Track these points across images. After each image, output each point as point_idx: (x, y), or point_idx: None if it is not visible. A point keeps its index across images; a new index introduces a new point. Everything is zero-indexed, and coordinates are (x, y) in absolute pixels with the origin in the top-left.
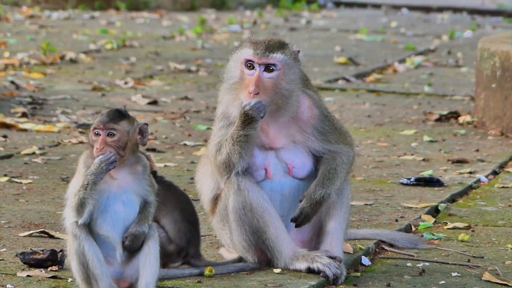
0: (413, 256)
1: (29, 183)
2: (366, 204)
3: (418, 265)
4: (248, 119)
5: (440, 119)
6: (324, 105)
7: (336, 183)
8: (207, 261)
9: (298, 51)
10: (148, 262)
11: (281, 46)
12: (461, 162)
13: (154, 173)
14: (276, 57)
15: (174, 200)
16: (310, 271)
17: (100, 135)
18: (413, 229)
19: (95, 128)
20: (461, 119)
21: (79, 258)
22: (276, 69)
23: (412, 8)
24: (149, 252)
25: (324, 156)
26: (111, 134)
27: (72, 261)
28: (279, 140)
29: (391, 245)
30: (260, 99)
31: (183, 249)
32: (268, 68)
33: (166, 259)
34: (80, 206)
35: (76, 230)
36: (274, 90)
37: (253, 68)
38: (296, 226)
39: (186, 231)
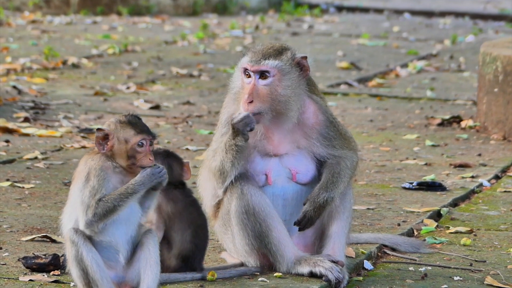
0: (415, 260)
1: (31, 187)
2: (368, 209)
3: (420, 269)
4: (236, 132)
5: (442, 124)
6: (330, 111)
7: (340, 187)
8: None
9: (305, 57)
10: (149, 266)
11: (277, 52)
12: (463, 166)
13: (183, 184)
14: (269, 64)
15: (191, 218)
16: (312, 275)
17: (144, 145)
18: (415, 233)
19: (144, 139)
20: (463, 124)
21: (78, 264)
22: (270, 75)
23: (414, 12)
24: (150, 256)
25: (328, 160)
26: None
27: (72, 267)
28: (284, 146)
29: (393, 249)
30: (249, 112)
31: (182, 268)
32: (262, 75)
33: (165, 270)
34: (111, 213)
35: (74, 236)
36: (270, 97)
37: (250, 76)
38: (299, 230)
39: (190, 254)
